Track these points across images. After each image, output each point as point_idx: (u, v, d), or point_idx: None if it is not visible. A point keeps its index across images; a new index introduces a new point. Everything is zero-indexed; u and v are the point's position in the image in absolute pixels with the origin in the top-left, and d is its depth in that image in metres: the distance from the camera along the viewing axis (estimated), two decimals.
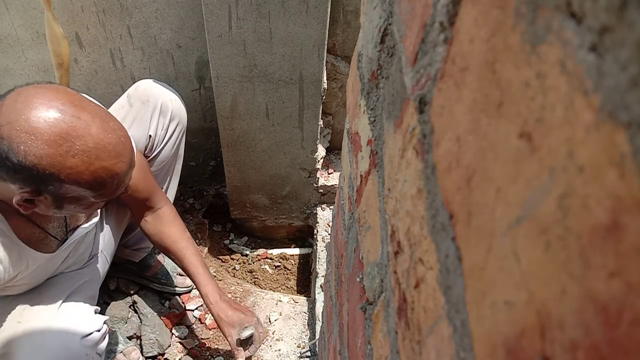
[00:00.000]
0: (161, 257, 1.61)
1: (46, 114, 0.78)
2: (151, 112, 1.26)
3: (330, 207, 1.75)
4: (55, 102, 0.80)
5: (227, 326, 1.23)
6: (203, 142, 1.76)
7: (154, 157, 1.32)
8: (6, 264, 0.93)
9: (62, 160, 0.79)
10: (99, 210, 1.20)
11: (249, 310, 1.29)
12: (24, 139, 0.76)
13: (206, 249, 1.78)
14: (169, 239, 1.28)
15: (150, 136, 1.27)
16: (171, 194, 1.48)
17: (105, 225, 1.32)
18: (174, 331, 1.53)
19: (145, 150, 1.29)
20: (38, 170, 0.78)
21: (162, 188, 1.42)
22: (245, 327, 1.23)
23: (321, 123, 1.51)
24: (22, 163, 0.77)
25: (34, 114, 0.77)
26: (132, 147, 0.93)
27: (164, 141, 1.31)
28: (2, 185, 0.83)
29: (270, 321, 1.58)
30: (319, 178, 1.66)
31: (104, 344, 1.15)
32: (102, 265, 1.33)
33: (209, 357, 1.49)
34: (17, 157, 0.77)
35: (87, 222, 1.14)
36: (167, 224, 1.29)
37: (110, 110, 1.18)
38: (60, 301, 1.12)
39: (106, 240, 1.33)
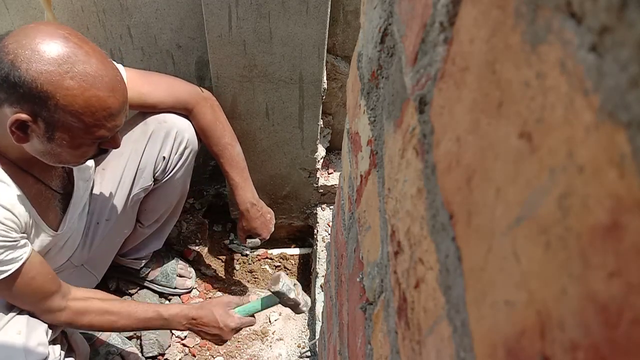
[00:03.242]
0: (160, 261, 1.62)
1: (52, 37, 0.84)
2: (166, 134, 1.26)
3: (330, 207, 1.75)
4: (61, 31, 0.86)
5: (243, 231, 1.43)
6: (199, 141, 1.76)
7: (166, 181, 1.32)
8: (18, 217, 0.94)
9: (61, 79, 0.83)
10: (92, 173, 1.22)
11: (267, 227, 1.43)
12: (28, 55, 0.82)
13: (206, 249, 1.78)
14: (207, 142, 1.32)
15: (164, 157, 1.27)
16: (173, 219, 1.50)
17: (98, 239, 1.31)
18: (173, 331, 1.53)
19: (156, 172, 1.29)
20: (37, 86, 0.82)
21: (166, 210, 1.43)
22: (255, 239, 1.47)
23: (321, 123, 1.51)
24: (22, 78, 0.81)
25: (40, 36, 0.83)
26: (126, 92, 0.95)
27: (177, 166, 1.31)
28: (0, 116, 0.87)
29: (270, 321, 1.58)
30: (319, 178, 1.66)
31: None
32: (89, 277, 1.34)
33: (209, 357, 1.49)
34: (18, 72, 0.81)
35: (83, 180, 1.17)
36: (202, 125, 1.29)
37: (125, 124, 1.18)
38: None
39: (99, 253, 1.33)
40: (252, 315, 1.25)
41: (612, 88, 0.14)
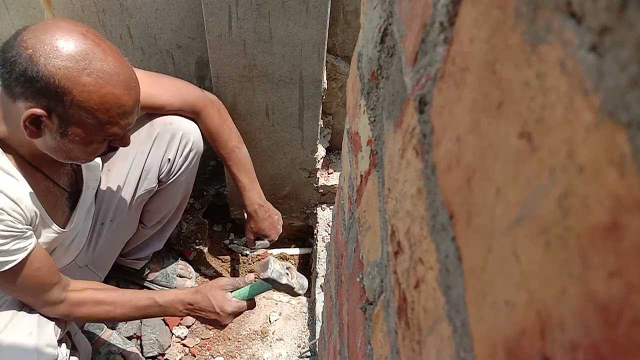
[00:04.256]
0: (160, 261, 1.62)
1: (71, 34, 0.85)
2: (171, 136, 1.26)
3: (330, 207, 1.75)
4: (80, 28, 0.88)
5: (251, 233, 1.44)
6: (203, 142, 1.76)
7: (170, 183, 1.32)
8: (24, 210, 0.95)
9: (78, 75, 0.84)
10: (101, 172, 1.23)
11: (275, 228, 1.45)
12: (47, 50, 0.82)
13: (206, 249, 1.78)
14: (214, 144, 1.34)
15: (169, 160, 1.27)
16: (175, 220, 1.50)
17: (102, 241, 1.31)
18: (174, 331, 1.53)
19: (161, 174, 1.29)
20: (54, 81, 0.83)
21: (169, 212, 1.44)
22: (263, 240, 1.47)
23: (321, 123, 1.51)
24: (40, 73, 0.82)
25: (59, 32, 0.85)
26: (139, 91, 0.96)
27: (181, 169, 1.31)
28: (12, 109, 0.87)
29: (270, 321, 1.58)
30: (319, 178, 1.66)
31: None
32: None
33: (209, 357, 1.49)
34: (36, 66, 0.82)
35: (93, 180, 1.17)
36: (210, 128, 1.31)
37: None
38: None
39: (102, 256, 1.33)
40: (252, 299, 1.22)
41: (612, 88, 0.14)
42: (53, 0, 1.29)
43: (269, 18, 1.22)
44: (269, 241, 1.47)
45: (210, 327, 1.53)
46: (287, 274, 1.17)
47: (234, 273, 1.78)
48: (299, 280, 1.19)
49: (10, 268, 0.93)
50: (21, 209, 0.93)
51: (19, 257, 0.94)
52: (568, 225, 0.16)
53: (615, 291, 0.14)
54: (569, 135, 0.16)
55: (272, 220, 1.44)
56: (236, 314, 1.21)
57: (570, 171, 0.16)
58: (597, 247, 0.14)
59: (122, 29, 1.40)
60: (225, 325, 1.22)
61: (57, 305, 1.07)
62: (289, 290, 1.19)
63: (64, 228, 1.10)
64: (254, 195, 1.39)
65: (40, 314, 1.06)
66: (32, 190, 0.97)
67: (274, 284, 1.16)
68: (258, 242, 1.48)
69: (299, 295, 1.22)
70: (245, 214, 1.43)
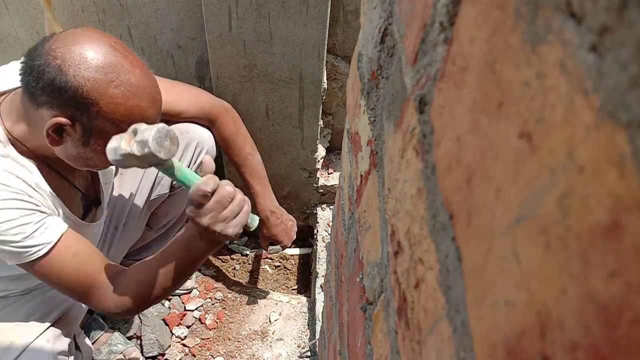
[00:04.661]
0: None
1: (100, 45, 0.86)
2: (187, 144, 1.27)
3: (330, 207, 1.75)
4: (108, 40, 0.88)
5: (264, 238, 1.46)
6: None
7: (181, 189, 1.33)
8: (43, 195, 0.94)
9: (106, 87, 0.85)
10: (113, 176, 1.23)
11: (288, 234, 1.46)
12: (77, 61, 0.83)
13: None
14: (228, 152, 1.34)
15: None
16: (179, 223, 1.51)
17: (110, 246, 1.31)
18: (174, 331, 1.53)
19: (174, 181, 1.29)
20: (82, 92, 0.83)
21: (175, 216, 1.44)
22: (276, 245, 1.50)
23: (321, 123, 1.51)
24: (69, 83, 0.83)
25: (89, 43, 0.85)
26: (162, 102, 0.96)
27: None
28: (34, 114, 0.87)
29: (270, 321, 1.58)
30: (319, 178, 1.66)
31: None
32: None
33: (209, 357, 1.49)
34: (65, 77, 0.82)
35: (105, 184, 1.17)
36: (224, 136, 1.32)
37: None
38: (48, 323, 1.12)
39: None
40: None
41: (612, 88, 0.14)
42: (53, 0, 1.29)
43: (269, 18, 1.22)
44: (282, 247, 1.49)
45: (211, 327, 1.53)
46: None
47: (234, 273, 1.78)
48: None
49: (46, 252, 0.90)
50: (41, 195, 0.93)
51: (53, 238, 0.91)
52: (568, 225, 0.16)
53: (615, 291, 0.14)
54: (569, 135, 0.16)
55: (285, 226, 1.46)
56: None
57: (570, 171, 0.16)
58: (597, 247, 0.14)
59: (122, 29, 1.40)
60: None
61: (113, 295, 0.97)
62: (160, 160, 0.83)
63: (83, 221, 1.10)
64: (267, 201, 1.41)
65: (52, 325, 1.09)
66: (50, 189, 0.97)
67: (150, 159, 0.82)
68: (271, 247, 1.51)
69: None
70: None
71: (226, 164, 1.60)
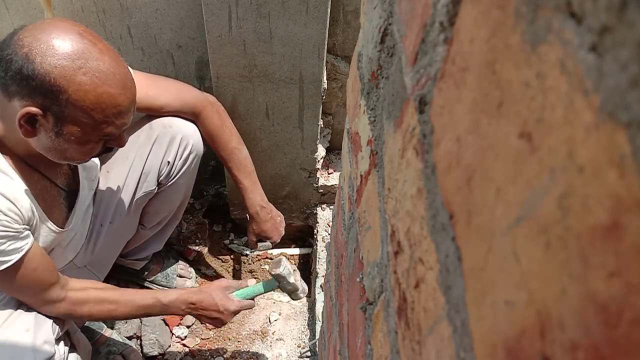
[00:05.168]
0: (160, 261, 1.62)
1: (67, 33, 0.86)
2: (171, 139, 1.26)
3: (330, 207, 1.75)
4: (76, 28, 0.88)
5: (253, 235, 1.43)
6: (203, 142, 1.76)
7: (169, 185, 1.32)
8: (20, 209, 0.95)
9: (73, 74, 0.84)
10: (98, 172, 1.23)
11: (277, 230, 1.44)
12: (43, 49, 0.83)
13: (206, 249, 1.78)
14: (214, 146, 1.33)
15: (169, 162, 1.27)
16: (174, 221, 1.50)
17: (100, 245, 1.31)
18: (174, 331, 1.53)
19: (160, 177, 1.29)
20: (50, 80, 0.83)
21: (168, 213, 1.44)
22: (265, 242, 1.48)
23: (321, 123, 1.51)
24: (36, 71, 0.82)
25: (56, 31, 0.85)
26: (136, 91, 0.96)
27: (181, 171, 1.31)
28: (7, 108, 0.87)
29: (270, 321, 1.58)
30: (319, 178, 1.66)
31: None
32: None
33: (209, 357, 1.49)
34: (32, 65, 0.82)
35: (90, 180, 1.17)
36: (209, 130, 1.31)
37: (131, 125, 1.15)
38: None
39: (101, 256, 1.34)
40: (252, 299, 1.25)
41: (612, 88, 0.14)
42: (53, 0, 1.29)
43: (269, 18, 1.22)
44: (271, 243, 1.47)
45: (211, 327, 1.53)
46: (294, 275, 1.21)
47: (234, 273, 1.78)
48: (302, 284, 1.24)
49: (7, 268, 0.93)
50: (17, 208, 0.93)
51: (15, 257, 0.94)
52: (568, 225, 0.16)
53: (615, 291, 0.14)
54: (569, 135, 0.16)
55: (275, 222, 1.44)
56: (237, 312, 1.23)
57: (570, 171, 0.16)
58: (597, 247, 0.14)
59: (122, 29, 1.40)
60: (225, 323, 1.24)
61: (57, 304, 1.07)
62: (293, 290, 1.22)
63: (62, 228, 1.10)
64: (256, 196, 1.39)
65: (39, 312, 1.06)
66: (28, 190, 0.96)
67: (282, 282, 1.21)
68: (260, 244, 1.49)
69: (300, 298, 1.25)
70: (247, 216, 1.44)
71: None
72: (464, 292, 0.25)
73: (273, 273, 1.20)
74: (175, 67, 1.50)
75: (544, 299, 0.17)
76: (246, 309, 1.26)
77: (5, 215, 0.90)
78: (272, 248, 1.82)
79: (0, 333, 1.00)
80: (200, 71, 1.53)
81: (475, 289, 0.24)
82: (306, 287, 1.26)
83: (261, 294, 1.25)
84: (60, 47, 0.84)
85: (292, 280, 1.20)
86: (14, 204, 0.92)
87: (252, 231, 1.44)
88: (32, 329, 1.03)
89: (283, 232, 1.47)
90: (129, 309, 1.15)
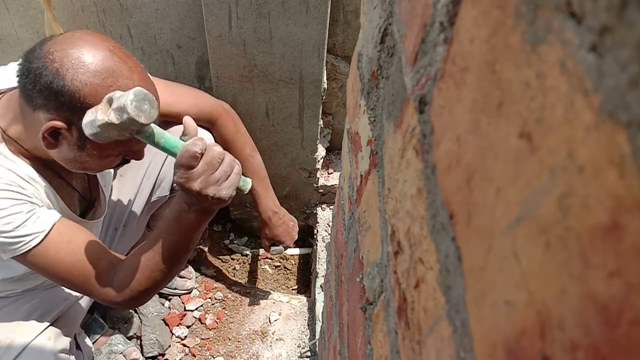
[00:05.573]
0: None
1: (98, 49, 0.85)
2: None
3: (330, 207, 1.75)
4: (107, 43, 0.87)
5: (267, 239, 1.46)
6: None
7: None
8: (39, 188, 0.94)
9: (103, 92, 0.83)
10: (112, 179, 1.23)
11: (290, 234, 1.46)
12: (74, 65, 0.83)
13: (206, 249, 1.78)
14: (229, 152, 1.27)
15: None
16: None
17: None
18: (174, 331, 1.53)
19: (174, 184, 1.30)
20: (79, 97, 0.83)
21: None
22: (278, 246, 1.49)
23: (321, 123, 1.51)
24: (66, 87, 0.82)
25: (87, 47, 0.85)
26: (159, 107, 0.90)
27: None
28: (30, 116, 0.87)
29: (270, 321, 1.58)
30: (319, 178, 1.66)
31: None
32: None
33: (209, 357, 1.49)
34: (62, 81, 0.82)
35: (104, 186, 1.16)
36: (225, 137, 1.31)
37: None
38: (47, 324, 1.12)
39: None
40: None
41: (612, 88, 0.14)
42: (53, 0, 1.29)
43: (269, 18, 1.22)
44: (284, 247, 1.49)
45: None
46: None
47: (234, 273, 1.78)
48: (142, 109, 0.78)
49: (39, 242, 0.89)
50: (35, 187, 0.93)
51: (46, 227, 0.90)
52: (568, 225, 0.16)
53: (615, 291, 0.14)
54: (569, 135, 0.16)
55: (287, 226, 1.46)
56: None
57: (570, 171, 0.16)
58: (597, 247, 0.14)
59: (122, 29, 1.39)
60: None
61: (109, 289, 0.96)
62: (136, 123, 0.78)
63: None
64: (269, 202, 1.40)
65: (53, 325, 1.10)
66: (46, 183, 0.97)
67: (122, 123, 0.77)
68: (273, 248, 1.51)
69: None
70: (260, 220, 1.45)
71: None
72: (464, 292, 0.25)
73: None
74: (175, 67, 1.50)
75: (544, 299, 0.17)
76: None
77: (22, 187, 0.90)
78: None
79: (23, 339, 1.04)
80: (200, 71, 1.53)
81: (475, 289, 0.24)
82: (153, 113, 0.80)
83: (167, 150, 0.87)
84: (91, 64, 0.84)
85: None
86: (29, 182, 0.92)
87: (265, 236, 1.46)
88: (53, 337, 1.06)
89: (296, 237, 1.49)
90: (165, 238, 0.95)
